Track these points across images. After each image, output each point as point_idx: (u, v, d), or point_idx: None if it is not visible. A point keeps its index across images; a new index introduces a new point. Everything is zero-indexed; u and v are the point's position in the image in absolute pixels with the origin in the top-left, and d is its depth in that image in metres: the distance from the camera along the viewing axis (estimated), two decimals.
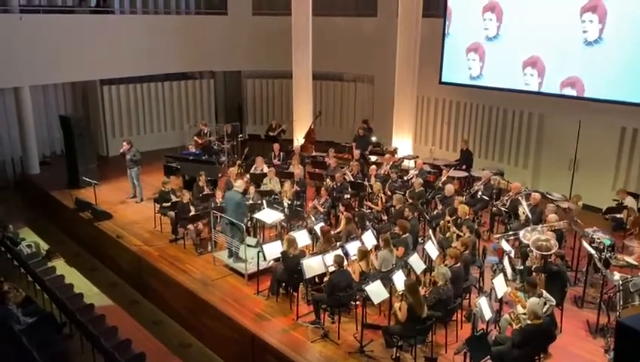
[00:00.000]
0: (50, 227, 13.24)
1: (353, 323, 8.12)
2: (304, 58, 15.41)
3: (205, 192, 11.33)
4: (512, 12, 13.10)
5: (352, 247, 8.75)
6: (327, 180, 11.79)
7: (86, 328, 7.65)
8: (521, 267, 8.87)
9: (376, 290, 7.52)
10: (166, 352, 8.47)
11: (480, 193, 11.52)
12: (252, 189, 11.07)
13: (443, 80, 14.80)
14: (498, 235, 10.10)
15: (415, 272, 8.46)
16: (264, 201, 10.58)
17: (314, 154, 14.70)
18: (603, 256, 8.64)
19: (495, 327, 7.62)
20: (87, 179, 13.00)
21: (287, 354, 7.54)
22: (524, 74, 13.08)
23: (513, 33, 13.13)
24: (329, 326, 8.07)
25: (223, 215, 9.96)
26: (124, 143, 12.96)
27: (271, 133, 15.42)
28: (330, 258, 8.13)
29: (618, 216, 10.68)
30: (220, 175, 13.02)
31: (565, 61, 12.31)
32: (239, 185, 10.06)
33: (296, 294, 8.54)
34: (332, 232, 9.62)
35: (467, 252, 8.44)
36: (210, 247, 10.44)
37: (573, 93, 12.31)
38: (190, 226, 10.52)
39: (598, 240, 8.98)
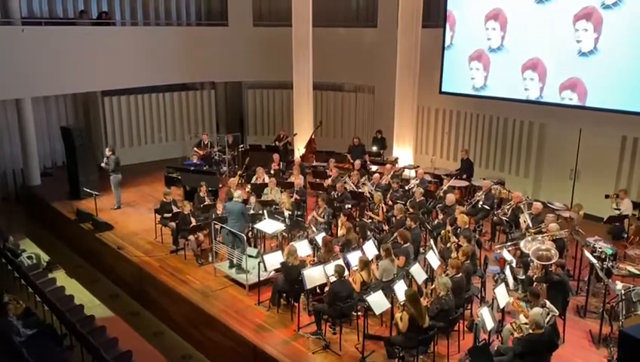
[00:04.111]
0: (51, 238, 13.22)
1: (355, 333, 8.09)
2: (305, 68, 15.45)
3: (206, 203, 11.33)
4: (515, 22, 13.05)
5: (354, 257, 8.74)
6: (326, 192, 11.74)
7: (86, 340, 7.61)
8: (523, 277, 8.85)
9: (377, 301, 7.51)
10: None
11: (481, 203, 11.53)
12: (253, 199, 11.08)
13: (443, 90, 14.84)
14: (499, 245, 10.10)
15: (417, 282, 8.43)
16: (265, 211, 10.58)
17: (314, 164, 14.71)
18: (605, 266, 8.63)
19: (497, 337, 7.59)
20: (88, 190, 13.00)
21: None
22: (524, 78, 13.03)
23: (515, 42, 13.09)
24: (330, 336, 8.04)
25: (223, 225, 9.96)
26: (107, 150, 13.02)
27: (278, 143, 15.46)
28: (331, 268, 8.11)
29: (618, 224, 10.68)
30: (220, 185, 13.03)
31: (565, 67, 12.34)
32: (238, 195, 10.07)
33: (297, 305, 8.52)
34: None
35: (468, 261, 8.42)
36: (210, 258, 10.42)
37: (574, 96, 12.26)
38: (191, 237, 10.50)
39: (600, 250, 8.97)
